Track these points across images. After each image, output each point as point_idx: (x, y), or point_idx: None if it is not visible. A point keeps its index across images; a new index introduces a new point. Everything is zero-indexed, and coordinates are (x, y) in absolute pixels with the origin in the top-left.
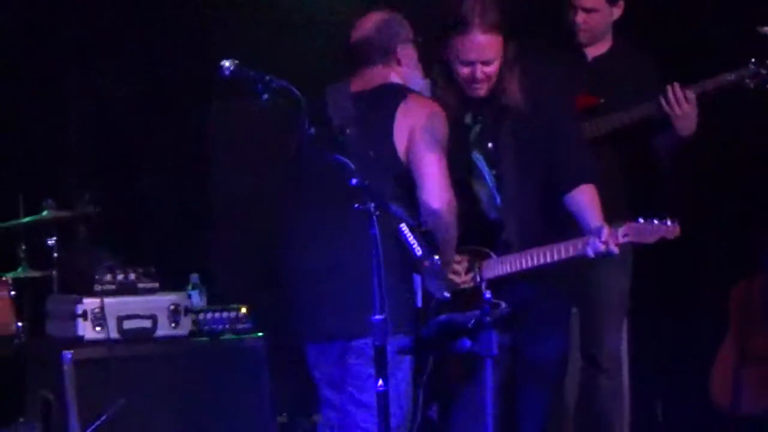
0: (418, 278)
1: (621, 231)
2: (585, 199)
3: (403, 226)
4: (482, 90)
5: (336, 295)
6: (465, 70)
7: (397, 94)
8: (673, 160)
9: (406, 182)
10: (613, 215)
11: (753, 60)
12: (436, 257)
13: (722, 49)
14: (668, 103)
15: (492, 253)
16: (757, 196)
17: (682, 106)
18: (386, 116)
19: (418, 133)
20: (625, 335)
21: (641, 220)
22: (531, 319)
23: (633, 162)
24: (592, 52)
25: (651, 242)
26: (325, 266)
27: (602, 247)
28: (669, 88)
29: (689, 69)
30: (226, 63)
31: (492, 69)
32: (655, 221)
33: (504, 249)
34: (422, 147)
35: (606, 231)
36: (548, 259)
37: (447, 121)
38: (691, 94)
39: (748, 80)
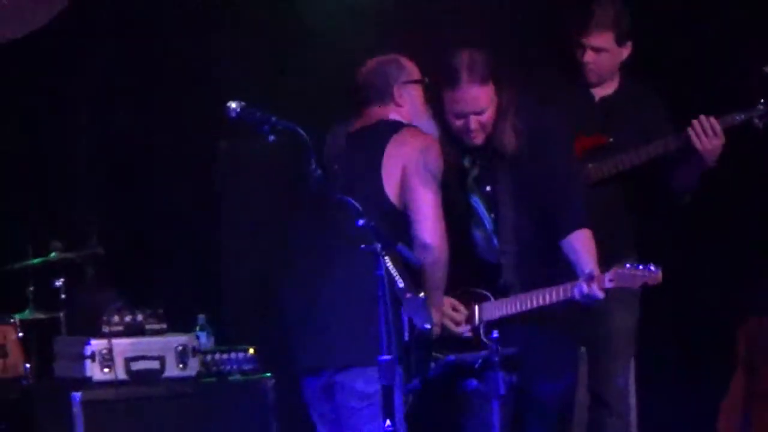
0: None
1: (607, 276)
2: (577, 245)
3: (386, 258)
4: (478, 139)
5: (327, 328)
6: (458, 122)
7: (389, 128)
8: (693, 192)
9: (392, 220)
10: (621, 254)
11: (762, 101)
12: (421, 294)
13: (729, 88)
14: (698, 136)
15: (490, 296)
16: None
17: (711, 140)
18: (376, 151)
19: (411, 166)
20: (632, 373)
21: (627, 266)
22: (537, 359)
23: (643, 199)
24: (600, 92)
25: (636, 287)
26: (316, 301)
27: (587, 291)
28: (698, 121)
29: (697, 108)
30: (233, 104)
31: (485, 118)
32: (640, 267)
33: (502, 292)
34: (415, 181)
35: (590, 277)
36: (542, 302)
37: (442, 155)
38: (718, 126)
39: (756, 120)
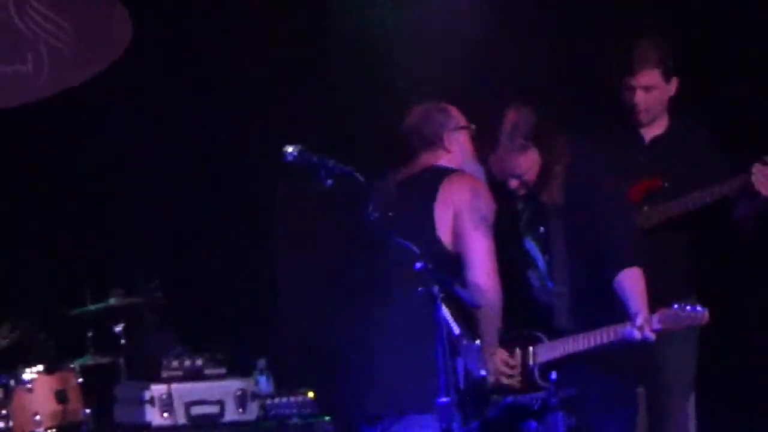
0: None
1: (655, 318)
2: (628, 285)
3: (443, 305)
4: (521, 191)
5: (380, 374)
6: (501, 178)
7: (439, 174)
8: (755, 228)
9: (447, 264)
10: (681, 296)
11: None
12: (477, 342)
13: None
14: (758, 181)
15: (544, 338)
16: None
17: None
18: (428, 197)
19: (462, 211)
20: (693, 414)
21: (675, 307)
22: (593, 400)
23: (702, 239)
24: (650, 132)
25: (681, 328)
26: (373, 346)
27: (638, 334)
28: (759, 166)
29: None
30: (290, 149)
31: (527, 178)
32: (687, 308)
33: (556, 333)
34: (467, 226)
35: (641, 318)
36: (595, 343)
37: (493, 198)
38: None
39: None
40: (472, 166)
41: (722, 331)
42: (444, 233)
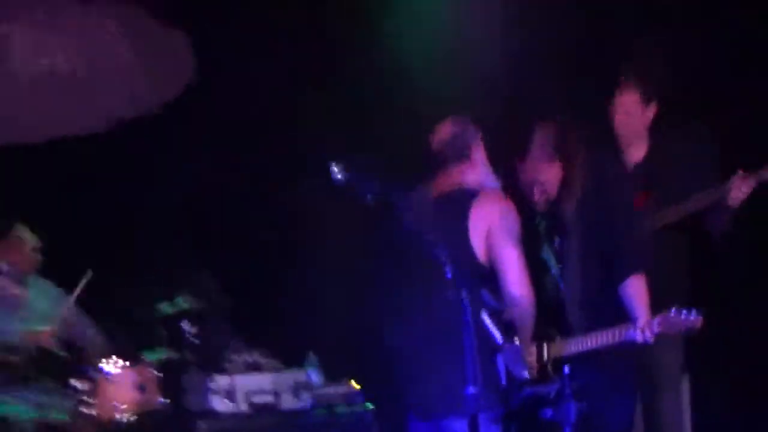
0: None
1: (655, 322)
2: (631, 291)
3: (485, 316)
4: (540, 205)
5: (431, 377)
6: (525, 187)
7: (470, 195)
8: (726, 236)
9: (483, 278)
10: (676, 299)
11: None
12: (516, 342)
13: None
14: (732, 194)
15: (556, 335)
16: None
17: (743, 195)
18: (461, 216)
19: (494, 230)
20: (687, 397)
21: (672, 312)
22: (599, 389)
23: (691, 247)
24: (637, 149)
25: (680, 331)
26: (423, 349)
27: (639, 336)
28: (738, 177)
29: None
30: (334, 167)
31: (549, 188)
32: (683, 312)
33: (567, 331)
34: (500, 244)
35: (642, 322)
36: (600, 343)
37: (518, 215)
38: (752, 184)
39: None
40: (490, 176)
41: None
42: (478, 249)
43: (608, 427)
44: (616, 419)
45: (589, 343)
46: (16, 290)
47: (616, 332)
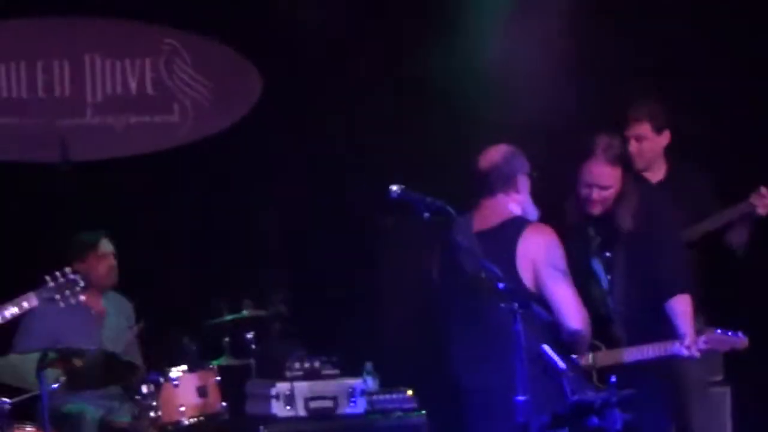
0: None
1: (702, 339)
2: (677, 308)
3: (545, 347)
4: (596, 209)
5: (482, 386)
6: (585, 191)
7: (516, 228)
8: (748, 247)
9: (533, 299)
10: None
11: None
12: (575, 357)
13: None
14: (763, 203)
15: (602, 346)
16: None
17: None
18: (508, 249)
19: (541, 265)
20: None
21: (718, 331)
22: (642, 400)
23: (711, 262)
24: (653, 178)
25: (724, 350)
26: (475, 358)
27: (686, 352)
28: (765, 191)
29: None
30: (394, 187)
31: (607, 194)
32: (729, 333)
33: (613, 343)
34: (550, 279)
35: (689, 339)
36: (646, 356)
37: (569, 238)
38: None
39: None
40: (533, 208)
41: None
42: (527, 278)
43: None
44: (661, 427)
45: (635, 356)
46: (100, 306)
47: (663, 347)
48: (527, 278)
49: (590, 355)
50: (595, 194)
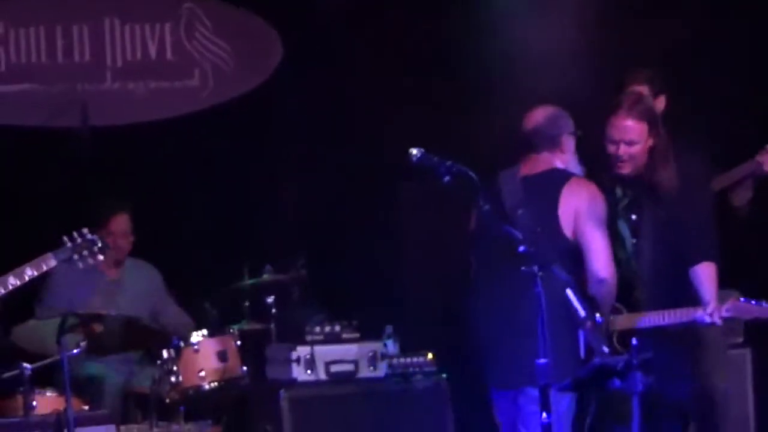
0: (582, 333)
1: (725, 307)
2: (702, 275)
3: (569, 291)
4: (625, 168)
5: (510, 350)
6: (611, 148)
7: (561, 177)
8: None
9: (570, 252)
10: None
11: None
12: (599, 317)
13: None
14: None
15: (623, 309)
16: None
17: None
18: (552, 197)
19: (582, 213)
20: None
21: (743, 300)
22: (664, 365)
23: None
24: None
25: (748, 318)
26: (501, 323)
27: (708, 319)
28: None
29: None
30: (414, 151)
31: (634, 150)
32: (754, 303)
33: (635, 307)
34: (588, 226)
35: (712, 306)
36: (668, 321)
37: (601, 191)
38: None
39: None
40: (577, 167)
41: None
42: (566, 228)
43: (669, 401)
44: (677, 394)
45: (657, 320)
46: (116, 274)
47: (686, 312)
48: (567, 227)
49: (611, 318)
50: (622, 150)
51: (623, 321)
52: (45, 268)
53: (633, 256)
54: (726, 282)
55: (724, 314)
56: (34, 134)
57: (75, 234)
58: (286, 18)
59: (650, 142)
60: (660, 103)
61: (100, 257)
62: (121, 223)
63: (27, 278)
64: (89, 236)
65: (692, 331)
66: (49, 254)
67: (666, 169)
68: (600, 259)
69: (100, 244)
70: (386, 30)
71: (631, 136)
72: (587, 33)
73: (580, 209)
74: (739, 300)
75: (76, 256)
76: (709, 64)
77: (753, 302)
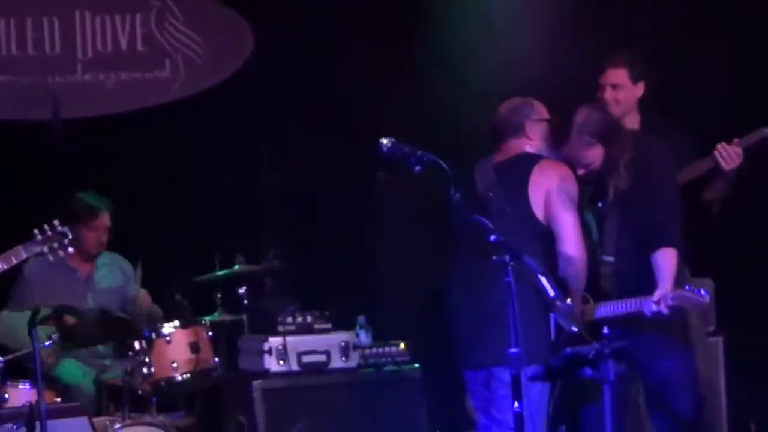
0: (552, 315)
1: (670, 296)
2: (659, 261)
3: (540, 275)
4: (586, 179)
5: (480, 331)
6: (598, 94)
7: (530, 160)
8: (724, 202)
9: (541, 235)
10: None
11: None
12: (568, 300)
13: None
14: (724, 159)
15: (591, 299)
16: None
17: (735, 161)
18: (522, 179)
19: (553, 193)
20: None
21: (687, 288)
22: (642, 347)
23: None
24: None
25: (689, 307)
26: (473, 308)
27: (654, 308)
28: (720, 147)
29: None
30: (384, 141)
31: (593, 167)
32: (697, 291)
33: (602, 296)
34: (558, 207)
35: (659, 293)
36: (623, 310)
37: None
38: (739, 150)
39: None
40: (551, 153)
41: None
42: (538, 210)
43: (648, 389)
44: (659, 381)
45: (614, 309)
46: (88, 268)
47: (636, 302)
48: (537, 209)
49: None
50: (580, 171)
51: (590, 311)
52: (15, 261)
53: (598, 245)
54: (701, 271)
55: (670, 303)
56: (6, 127)
57: (45, 226)
58: (257, 8)
59: (606, 153)
60: (639, 90)
61: (70, 250)
62: (106, 219)
63: None
64: (59, 228)
65: (678, 318)
66: (19, 247)
67: (619, 173)
68: (570, 239)
69: (70, 236)
70: (361, 17)
71: (587, 161)
72: (573, 19)
73: (550, 189)
74: (684, 288)
75: (46, 249)
76: (699, 52)
77: (697, 291)
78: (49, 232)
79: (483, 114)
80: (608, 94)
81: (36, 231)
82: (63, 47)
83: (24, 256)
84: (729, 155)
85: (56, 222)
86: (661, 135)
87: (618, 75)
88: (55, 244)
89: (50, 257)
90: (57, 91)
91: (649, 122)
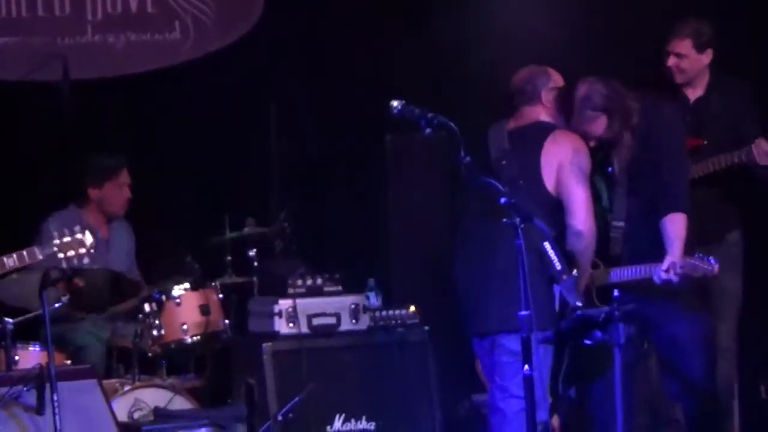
0: (556, 287)
1: (679, 264)
2: (668, 228)
3: (547, 244)
4: (594, 148)
5: (485, 298)
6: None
7: (545, 130)
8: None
9: (551, 207)
10: (725, 237)
11: None
12: (574, 272)
13: None
14: (759, 155)
15: (601, 264)
16: None
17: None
18: (535, 149)
19: (565, 165)
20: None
21: (696, 256)
22: (655, 307)
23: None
24: (693, 94)
25: (697, 275)
26: (480, 273)
27: (664, 276)
28: (757, 144)
29: None
30: (395, 103)
31: (603, 138)
32: (706, 259)
33: (612, 261)
34: (570, 178)
35: (668, 262)
36: (633, 276)
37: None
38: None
39: None
40: (561, 121)
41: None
42: (548, 180)
43: (660, 353)
44: (670, 345)
45: (625, 275)
46: (107, 232)
47: (647, 268)
48: (549, 179)
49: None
50: (672, 62)
51: (599, 276)
52: (28, 261)
53: (608, 210)
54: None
55: (679, 271)
56: (15, 87)
57: (65, 230)
58: None
59: (610, 125)
60: (706, 57)
61: (86, 261)
62: (127, 175)
63: (8, 268)
64: (78, 235)
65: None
66: (35, 248)
67: (623, 144)
68: (579, 213)
69: (89, 243)
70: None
71: (593, 135)
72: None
73: (563, 161)
74: (693, 256)
75: (61, 255)
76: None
77: (702, 259)
78: (67, 238)
79: (497, 78)
80: (672, 62)
81: (55, 233)
82: (73, 9)
83: (40, 257)
84: (765, 154)
85: (77, 227)
86: (729, 95)
87: (682, 45)
88: (71, 252)
89: (64, 264)
90: (66, 53)
91: (716, 83)
